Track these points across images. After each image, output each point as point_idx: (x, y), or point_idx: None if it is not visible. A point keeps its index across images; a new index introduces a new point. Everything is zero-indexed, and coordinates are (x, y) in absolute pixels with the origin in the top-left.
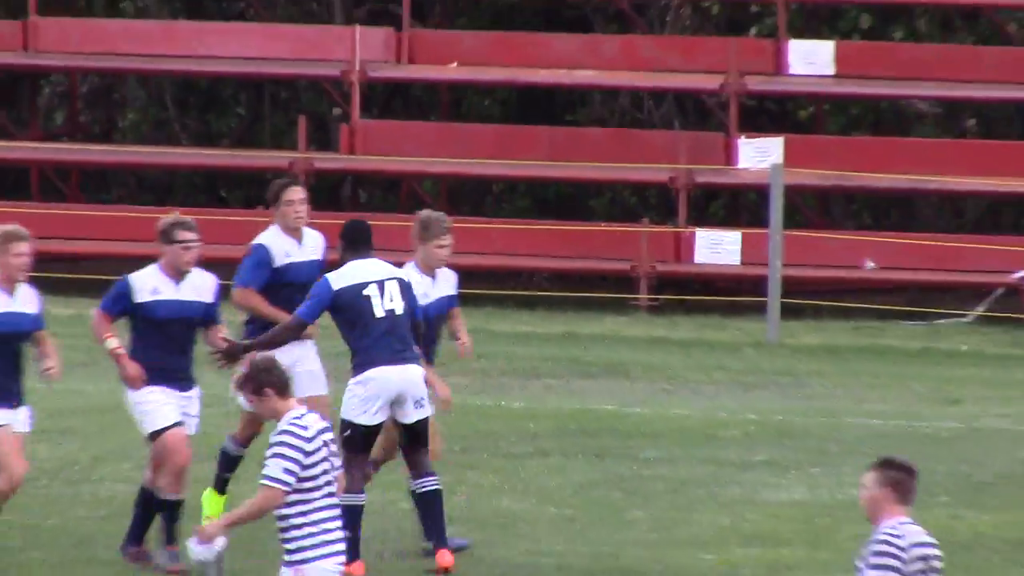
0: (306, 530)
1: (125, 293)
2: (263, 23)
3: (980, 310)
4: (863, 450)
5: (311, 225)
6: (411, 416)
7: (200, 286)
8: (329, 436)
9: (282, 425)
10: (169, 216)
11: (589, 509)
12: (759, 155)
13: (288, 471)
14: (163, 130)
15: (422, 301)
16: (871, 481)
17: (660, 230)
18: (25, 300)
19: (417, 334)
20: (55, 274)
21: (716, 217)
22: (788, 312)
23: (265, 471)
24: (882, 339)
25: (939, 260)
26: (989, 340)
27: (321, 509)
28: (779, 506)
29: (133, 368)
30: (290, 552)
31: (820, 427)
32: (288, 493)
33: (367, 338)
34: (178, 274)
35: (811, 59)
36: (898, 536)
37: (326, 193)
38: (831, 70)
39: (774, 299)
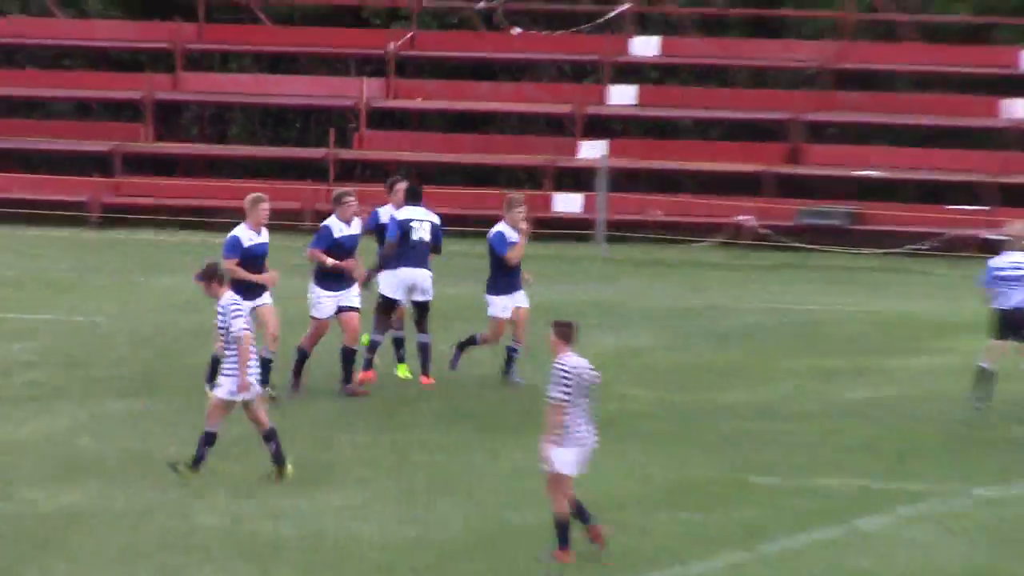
0: (232, 362)
1: (328, 234)
2: (311, 76)
3: (719, 239)
4: (651, 318)
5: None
6: (419, 298)
7: (356, 225)
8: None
9: (227, 302)
10: (337, 189)
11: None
12: (594, 151)
13: (247, 322)
14: (253, 137)
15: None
16: (551, 334)
17: (537, 193)
18: (264, 236)
19: (438, 252)
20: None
21: (569, 185)
22: (612, 240)
23: (236, 328)
24: (663, 255)
25: (696, 211)
26: (725, 255)
27: (231, 371)
28: (593, 347)
29: (358, 269)
30: (225, 375)
31: (626, 305)
32: (252, 338)
33: (405, 249)
34: (347, 220)
35: (624, 96)
36: (565, 364)
37: (346, 173)
38: (636, 102)
39: (601, 233)
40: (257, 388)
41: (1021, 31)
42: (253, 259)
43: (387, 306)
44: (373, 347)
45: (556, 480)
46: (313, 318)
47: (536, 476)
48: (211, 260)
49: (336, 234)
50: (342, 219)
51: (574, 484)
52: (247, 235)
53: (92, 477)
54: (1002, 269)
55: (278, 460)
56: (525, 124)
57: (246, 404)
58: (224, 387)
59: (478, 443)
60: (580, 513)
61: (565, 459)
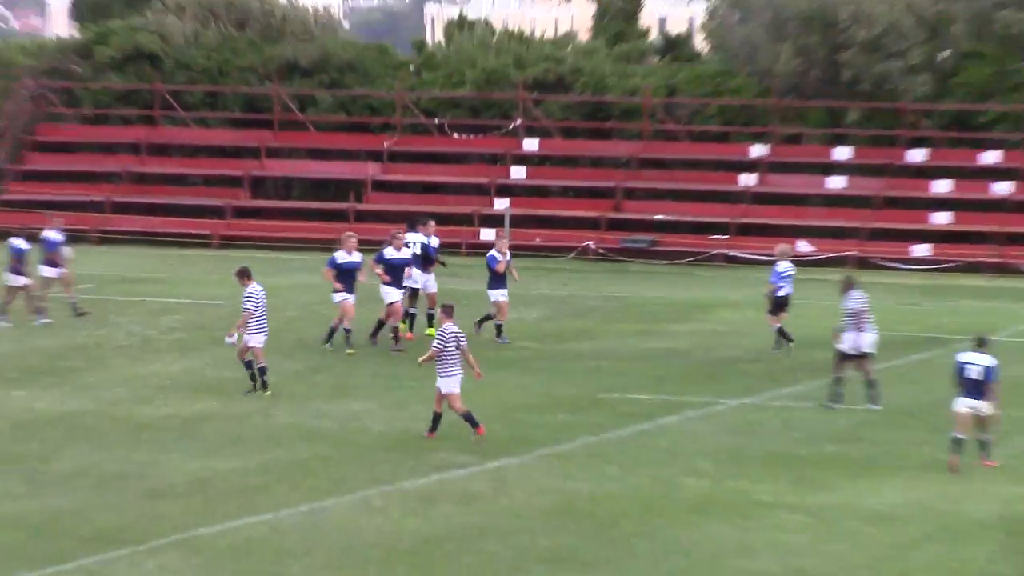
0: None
1: (381, 256)
2: (339, 161)
3: (575, 255)
4: (536, 301)
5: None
6: (411, 285)
7: (405, 251)
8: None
9: (246, 292)
10: (392, 231)
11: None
12: (502, 205)
13: (253, 305)
14: (306, 196)
15: (505, 258)
16: (439, 311)
17: (470, 229)
18: (355, 257)
19: (434, 262)
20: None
21: (488, 224)
22: (513, 256)
23: (243, 308)
24: (541, 265)
25: (561, 238)
26: (578, 264)
27: (259, 329)
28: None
29: (386, 278)
30: (249, 334)
31: (521, 294)
32: (248, 317)
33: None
34: (398, 249)
35: (519, 173)
36: (444, 330)
37: (360, 218)
38: (525, 176)
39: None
40: (231, 341)
41: (749, 135)
42: (343, 272)
43: (408, 295)
44: (402, 313)
45: (449, 398)
46: (388, 304)
47: (472, 393)
48: (243, 265)
49: (387, 256)
50: (395, 248)
51: (448, 402)
52: (341, 256)
53: (213, 394)
54: (783, 272)
55: (253, 379)
56: (462, 189)
57: (242, 348)
58: (251, 340)
59: None
60: (434, 422)
61: (449, 384)
